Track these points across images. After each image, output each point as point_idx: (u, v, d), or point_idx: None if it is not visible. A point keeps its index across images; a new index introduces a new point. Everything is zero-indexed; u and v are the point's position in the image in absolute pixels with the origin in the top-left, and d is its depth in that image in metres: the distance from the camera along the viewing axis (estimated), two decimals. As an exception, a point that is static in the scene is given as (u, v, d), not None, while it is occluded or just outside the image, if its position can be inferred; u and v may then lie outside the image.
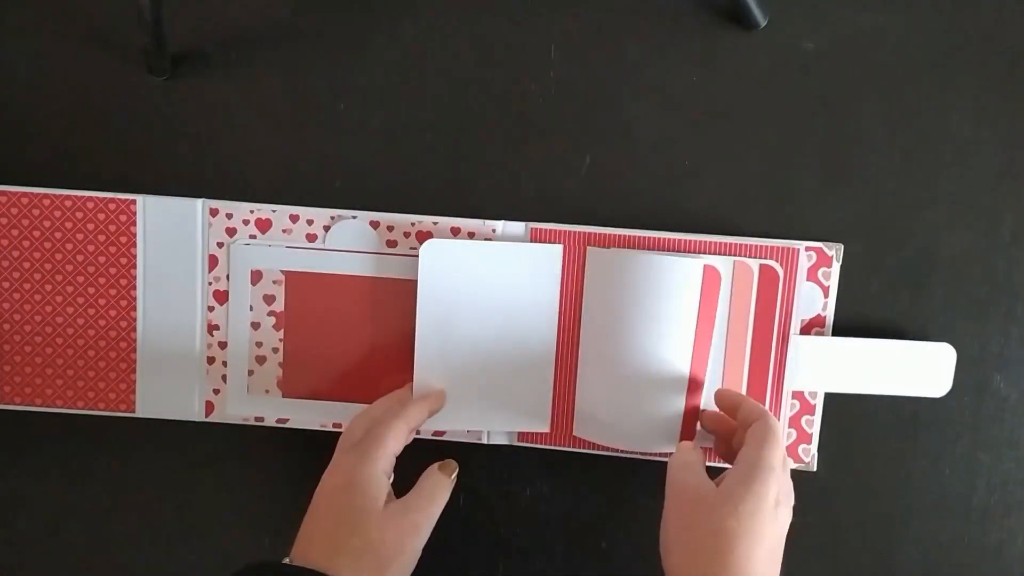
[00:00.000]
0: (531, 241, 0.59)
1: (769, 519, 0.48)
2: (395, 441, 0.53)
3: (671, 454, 0.53)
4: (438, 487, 0.54)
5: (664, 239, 0.59)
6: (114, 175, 0.60)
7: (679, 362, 0.56)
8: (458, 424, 0.60)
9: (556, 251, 0.59)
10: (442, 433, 0.61)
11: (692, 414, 0.57)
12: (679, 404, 0.57)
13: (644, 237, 0.59)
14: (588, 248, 0.59)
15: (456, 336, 0.58)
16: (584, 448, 0.60)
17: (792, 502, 0.51)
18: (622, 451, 0.60)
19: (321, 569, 0.47)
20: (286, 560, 0.49)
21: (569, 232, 0.59)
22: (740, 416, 0.54)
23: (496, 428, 0.60)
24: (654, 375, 0.56)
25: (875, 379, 0.59)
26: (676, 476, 0.52)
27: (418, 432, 0.61)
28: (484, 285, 0.58)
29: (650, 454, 0.60)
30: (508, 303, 0.58)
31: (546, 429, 0.60)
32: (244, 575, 0.48)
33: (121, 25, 0.60)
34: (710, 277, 0.57)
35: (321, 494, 0.52)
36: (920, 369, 0.59)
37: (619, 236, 0.59)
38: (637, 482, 0.61)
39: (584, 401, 0.59)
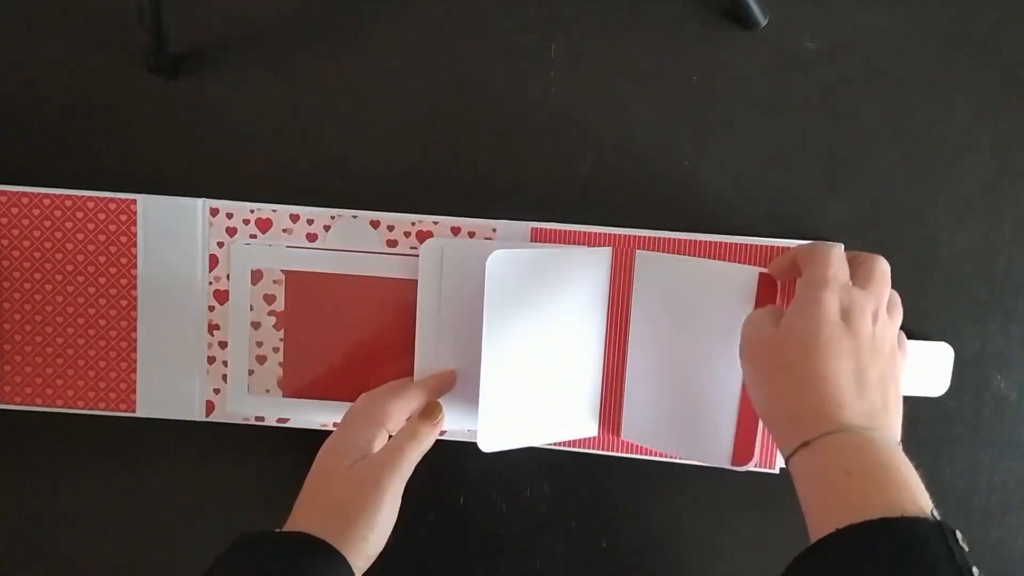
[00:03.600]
0: (531, 241, 0.59)
1: (838, 334, 0.46)
2: (385, 415, 0.54)
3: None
4: (407, 438, 0.53)
5: (664, 239, 0.59)
6: (114, 175, 0.60)
7: (733, 370, 0.55)
8: (518, 440, 0.59)
9: (605, 254, 0.59)
10: (443, 432, 0.61)
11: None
12: (732, 413, 0.56)
13: (644, 237, 0.59)
14: (637, 252, 0.59)
15: (518, 346, 0.57)
16: (635, 453, 0.60)
17: (889, 314, 0.49)
18: (675, 458, 0.60)
19: (302, 531, 0.48)
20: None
21: (617, 236, 0.59)
22: (799, 264, 0.52)
23: (546, 439, 0.60)
24: (708, 383, 0.56)
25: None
26: (745, 335, 0.51)
27: (442, 433, 0.60)
28: (539, 292, 0.57)
29: (704, 463, 0.59)
30: (557, 308, 0.58)
31: (595, 433, 0.60)
32: (238, 545, 0.48)
33: (121, 25, 0.60)
34: (765, 284, 0.56)
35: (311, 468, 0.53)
36: (918, 369, 0.59)
37: (619, 236, 0.59)
38: (638, 482, 0.62)
39: (635, 406, 0.59)
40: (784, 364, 0.47)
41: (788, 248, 0.56)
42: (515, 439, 0.58)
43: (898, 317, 0.51)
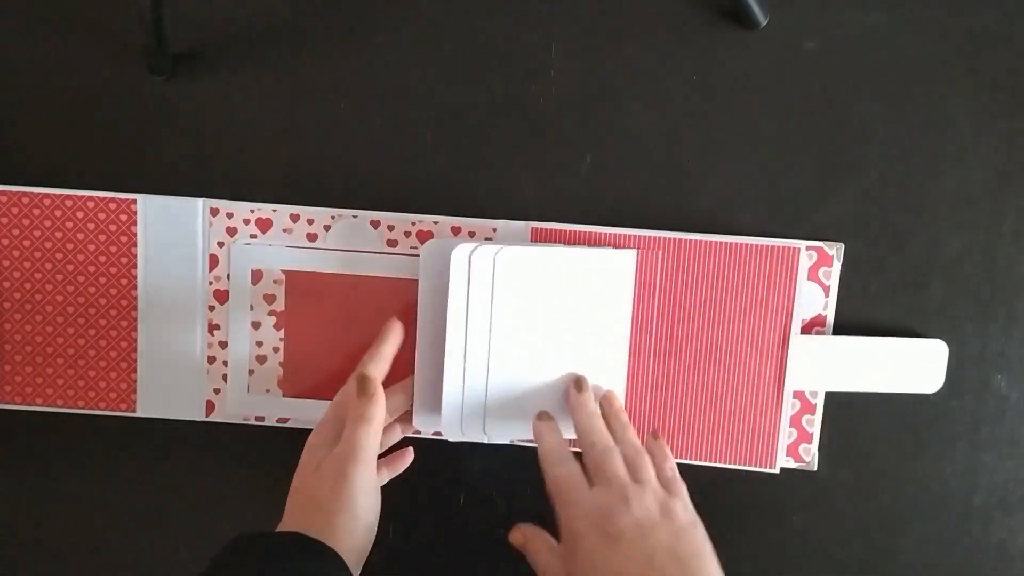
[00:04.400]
0: (532, 241, 0.59)
1: (603, 561, 0.47)
2: (345, 407, 0.53)
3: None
4: (354, 422, 0.52)
5: (664, 239, 0.59)
6: (114, 175, 0.60)
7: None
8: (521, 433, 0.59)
9: (630, 256, 0.59)
10: (440, 433, 0.61)
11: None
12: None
13: (644, 237, 0.59)
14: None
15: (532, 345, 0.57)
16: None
17: (621, 524, 0.48)
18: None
19: (295, 531, 0.48)
20: None
21: (617, 236, 0.59)
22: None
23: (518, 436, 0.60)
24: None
25: (870, 377, 0.59)
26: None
27: (418, 432, 0.61)
28: (553, 293, 0.57)
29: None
30: (577, 312, 0.58)
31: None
32: (233, 545, 0.48)
33: (121, 25, 0.60)
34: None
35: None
36: (913, 366, 0.59)
37: (619, 236, 0.59)
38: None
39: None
40: None
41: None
42: (478, 432, 0.58)
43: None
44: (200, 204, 0.60)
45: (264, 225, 0.60)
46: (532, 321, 0.57)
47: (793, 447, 0.60)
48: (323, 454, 0.52)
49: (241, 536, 0.49)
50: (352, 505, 0.50)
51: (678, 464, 0.60)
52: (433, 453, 0.61)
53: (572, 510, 0.50)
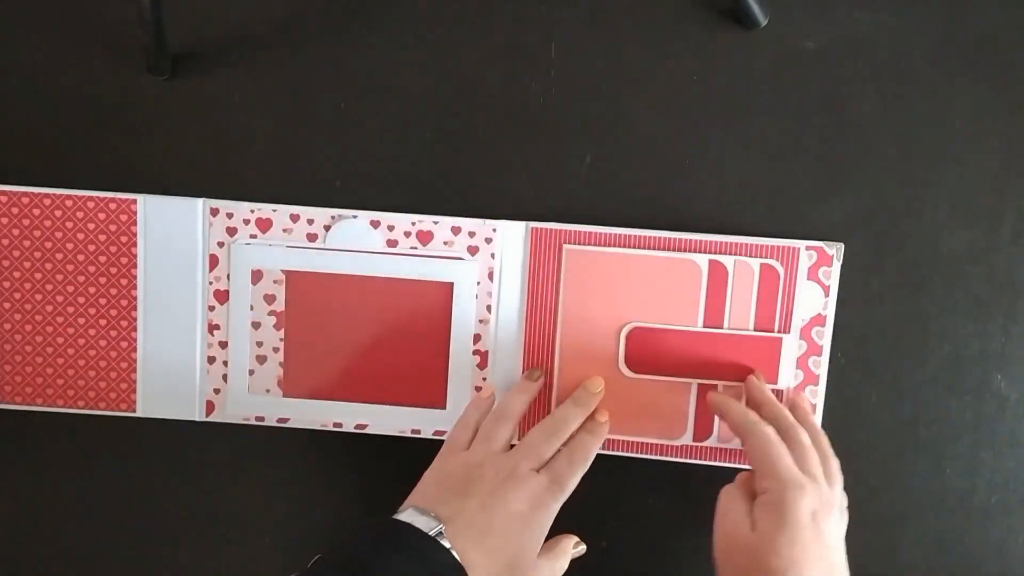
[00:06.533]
0: (531, 240, 0.59)
1: (811, 540, 0.48)
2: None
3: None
4: (566, 561, 0.55)
5: (664, 239, 0.59)
6: (114, 175, 0.60)
7: None
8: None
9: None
10: (443, 432, 0.61)
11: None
12: None
13: (644, 237, 0.59)
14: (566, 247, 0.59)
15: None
16: (635, 452, 0.60)
17: (840, 503, 0.52)
18: (676, 456, 0.60)
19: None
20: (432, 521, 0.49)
21: (617, 235, 0.59)
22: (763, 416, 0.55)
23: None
24: None
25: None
26: (720, 524, 0.53)
27: (418, 432, 0.61)
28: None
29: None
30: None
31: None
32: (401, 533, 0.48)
33: (121, 25, 0.60)
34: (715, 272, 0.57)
35: (498, 499, 0.50)
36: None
37: (619, 236, 0.59)
38: (638, 482, 0.62)
39: None
40: (760, 569, 0.48)
41: (766, 396, 0.56)
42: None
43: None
44: (200, 204, 0.60)
45: (264, 225, 0.60)
46: None
47: (793, 447, 0.60)
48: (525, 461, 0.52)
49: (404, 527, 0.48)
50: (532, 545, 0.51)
51: (676, 463, 0.60)
52: (433, 453, 0.61)
53: (808, 467, 0.51)
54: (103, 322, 0.61)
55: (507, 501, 0.50)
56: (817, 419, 0.60)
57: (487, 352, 0.60)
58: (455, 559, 0.46)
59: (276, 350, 0.61)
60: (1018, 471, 0.61)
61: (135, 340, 0.61)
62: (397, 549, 0.46)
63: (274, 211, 0.60)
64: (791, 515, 0.48)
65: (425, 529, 0.47)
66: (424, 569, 0.46)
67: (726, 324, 0.59)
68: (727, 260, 0.58)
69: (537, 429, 0.55)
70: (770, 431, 0.53)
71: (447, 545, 0.47)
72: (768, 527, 0.49)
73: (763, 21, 0.59)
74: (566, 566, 0.56)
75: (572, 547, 0.57)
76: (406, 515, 0.49)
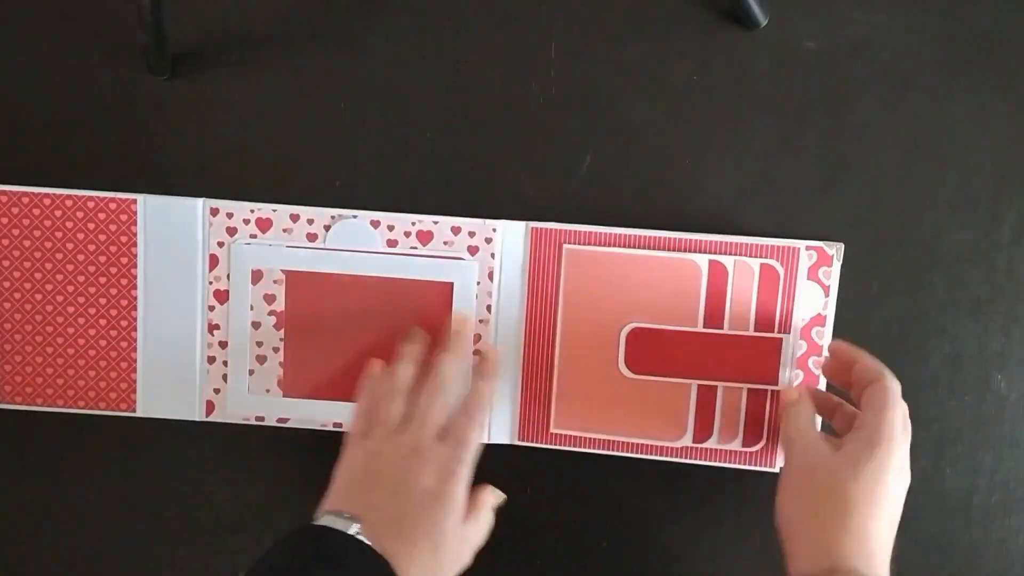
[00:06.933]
0: (531, 240, 0.59)
1: (892, 485, 0.49)
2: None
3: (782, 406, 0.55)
4: (489, 516, 0.54)
5: (664, 239, 0.59)
6: (114, 175, 0.60)
7: None
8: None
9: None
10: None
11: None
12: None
13: (644, 237, 0.59)
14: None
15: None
16: (635, 453, 0.61)
17: (908, 465, 0.52)
18: (674, 457, 0.60)
19: (393, 566, 0.47)
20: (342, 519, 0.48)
21: (617, 235, 0.59)
22: (855, 374, 0.54)
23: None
24: None
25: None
26: (789, 430, 0.53)
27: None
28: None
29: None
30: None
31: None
32: (307, 535, 0.47)
33: (121, 25, 0.60)
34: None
35: (404, 482, 0.50)
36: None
37: (619, 236, 0.59)
38: (638, 482, 0.62)
39: None
40: (836, 493, 0.48)
41: (857, 351, 0.55)
42: None
43: None
44: (200, 204, 0.60)
45: (264, 225, 0.60)
46: None
47: (793, 447, 0.60)
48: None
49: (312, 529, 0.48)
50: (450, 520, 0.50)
51: (676, 464, 0.60)
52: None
53: (898, 419, 0.51)
54: (103, 322, 0.61)
55: (414, 482, 0.50)
56: (817, 419, 0.60)
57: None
58: (378, 557, 0.46)
59: (276, 350, 0.61)
60: (1018, 471, 0.61)
61: (135, 340, 0.61)
62: (318, 558, 0.45)
63: (274, 211, 0.60)
64: (885, 460, 0.49)
65: (344, 531, 0.47)
66: (347, 574, 0.45)
67: (726, 325, 0.59)
68: (727, 260, 0.58)
69: (423, 394, 0.54)
70: (897, 386, 0.52)
71: (368, 543, 0.46)
72: (857, 457, 0.49)
73: (763, 21, 0.59)
74: (491, 519, 0.55)
75: (492, 499, 0.55)
76: (323, 521, 0.48)
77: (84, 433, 0.62)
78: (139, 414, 0.61)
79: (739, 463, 0.60)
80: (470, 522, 0.52)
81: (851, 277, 0.59)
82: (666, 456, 0.60)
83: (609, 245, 0.59)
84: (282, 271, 0.60)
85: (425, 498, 0.50)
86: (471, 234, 0.59)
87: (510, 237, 0.59)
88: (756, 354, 0.59)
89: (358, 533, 0.47)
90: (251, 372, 0.61)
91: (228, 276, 0.60)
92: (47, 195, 0.60)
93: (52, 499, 0.63)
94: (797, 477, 0.51)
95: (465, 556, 0.52)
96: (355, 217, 0.60)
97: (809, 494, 0.49)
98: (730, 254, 0.59)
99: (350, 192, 0.60)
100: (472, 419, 0.53)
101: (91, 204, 0.60)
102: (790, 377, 0.59)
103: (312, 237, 0.60)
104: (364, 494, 0.50)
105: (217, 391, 0.61)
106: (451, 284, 0.60)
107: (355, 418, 0.55)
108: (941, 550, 0.61)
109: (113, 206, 0.60)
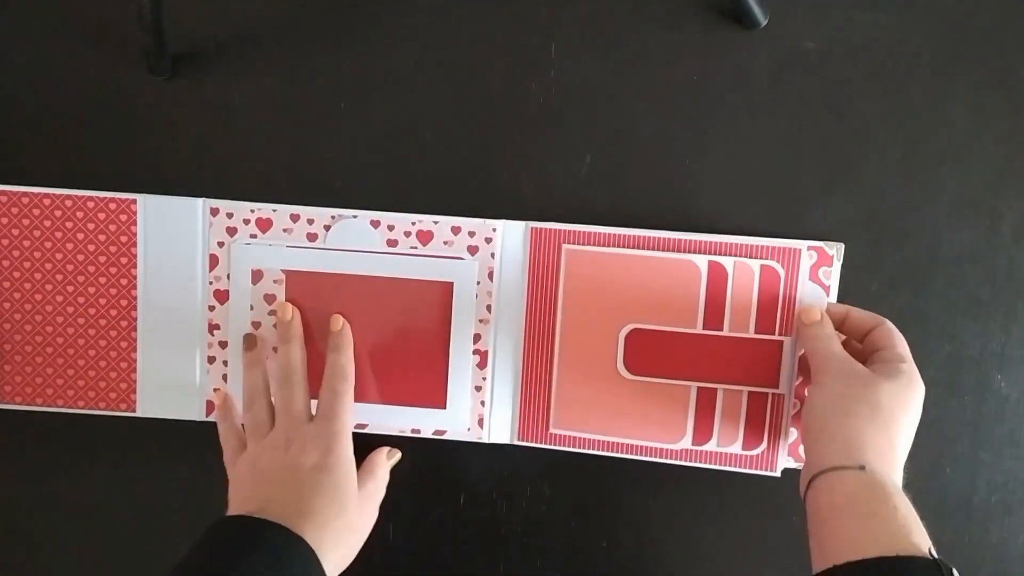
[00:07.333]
0: (531, 241, 0.59)
1: (916, 401, 0.53)
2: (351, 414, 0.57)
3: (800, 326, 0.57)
4: (385, 473, 0.59)
5: (664, 239, 0.59)
6: (114, 175, 0.60)
7: None
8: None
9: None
10: (443, 432, 0.61)
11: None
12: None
13: (644, 237, 0.59)
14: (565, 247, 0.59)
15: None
16: (635, 454, 0.60)
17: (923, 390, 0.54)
18: (675, 459, 0.60)
19: (309, 541, 0.48)
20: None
21: (617, 235, 0.59)
22: (851, 325, 0.57)
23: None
24: None
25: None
26: (819, 345, 0.55)
27: (418, 431, 0.61)
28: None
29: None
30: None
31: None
32: (225, 529, 0.49)
33: (121, 25, 0.60)
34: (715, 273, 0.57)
35: (291, 468, 0.53)
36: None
37: (619, 236, 0.59)
38: (638, 482, 0.62)
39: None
40: (872, 401, 0.51)
41: (846, 307, 0.58)
42: None
43: None
44: (200, 204, 0.60)
45: (264, 225, 0.60)
46: None
47: (794, 447, 0.60)
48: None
49: (232, 520, 0.49)
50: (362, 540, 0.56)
51: (676, 464, 0.60)
52: (433, 453, 0.61)
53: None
54: (103, 322, 0.61)
55: (299, 464, 0.52)
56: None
57: (487, 352, 0.60)
58: (291, 533, 0.48)
59: (276, 350, 0.61)
60: (1018, 471, 0.61)
61: (135, 340, 0.61)
62: (237, 544, 0.47)
63: (274, 211, 0.60)
64: (912, 376, 0.53)
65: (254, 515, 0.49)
66: (269, 552, 0.47)
67: (726, 326, 0.59)
68: (727, 261, 0.58)
69: (274, 388, 0.57)
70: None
71: (278, 522, 0.48)
72: (888, 371, 0.52)
73: (763, 21, 0.59)
74: (387, 476, 0.60)
75: (387, 458, 0.60)
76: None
77: (84, 433, 0.62)
78: (139, 414, 0.61)
79: (739, 467, 0.60)
80: (367, 481, 0.58)
81: (851, 277, 0.59)
82: (665, 458, 0.60)
83: (609, 245, 0.59)
84: (282, 271, 0.60)
85: (315, 474, 0.52)
86: (471, 234, 0.59)
87: (510, 237, 0.59)
88: (756, 356, 0.59)
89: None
90: (251, 372, 0.61)
91: (228, 276, 0.60)
92: (47, 195, 0.60)
93: (52, 499, 0.63)
94: (832, 383, 0.53)
95: (372, 512, 0.58)
96: (355, 217, 0.60)
97: (845, 399, 0.52)
98: (730, 255, 0.59)
99: (350, 192, 0.60)
100: (335, 392, 0.56)
101: (91, 204, 0.60)
102: (791, 379, 0.59)
103: (312, 237, 0.60)
104: (258, 493, 0.52)
105: (217, 391, 0.61)
106: (451, 284, 0.60)
107: (224, 444, 0.58)
108: (941, 550, 0.61)
109: (113, 206, 0.60)
